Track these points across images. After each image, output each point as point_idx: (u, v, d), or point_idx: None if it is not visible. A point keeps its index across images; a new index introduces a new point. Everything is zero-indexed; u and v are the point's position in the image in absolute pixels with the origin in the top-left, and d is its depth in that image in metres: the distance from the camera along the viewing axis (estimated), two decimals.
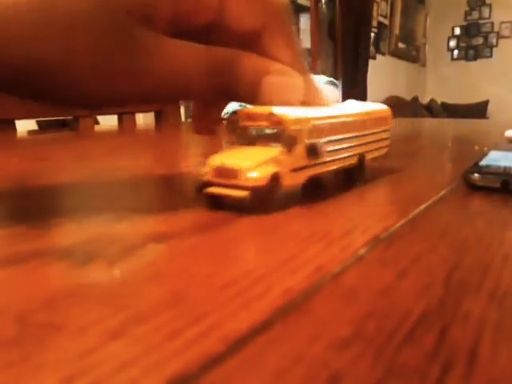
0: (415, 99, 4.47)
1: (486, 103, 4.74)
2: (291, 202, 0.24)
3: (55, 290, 0.14)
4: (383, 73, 4.03)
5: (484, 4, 4.95)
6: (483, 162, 0.32)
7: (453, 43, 5.15)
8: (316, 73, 2.27)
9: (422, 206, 0.24)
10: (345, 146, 0.27)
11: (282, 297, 0.13)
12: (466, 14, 5.04)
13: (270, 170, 0.22)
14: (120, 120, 0.88)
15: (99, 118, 1.09)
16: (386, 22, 4.18)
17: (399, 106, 3.77)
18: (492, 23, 4.94)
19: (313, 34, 2.57)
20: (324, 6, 2.95)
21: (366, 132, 0.30)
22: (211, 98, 0.23)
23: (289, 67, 0.24)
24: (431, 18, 5.01)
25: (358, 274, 0.15)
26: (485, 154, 0.35)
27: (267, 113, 0.23)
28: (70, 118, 0.83)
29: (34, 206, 0.25)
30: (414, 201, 0.26)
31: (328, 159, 0.26)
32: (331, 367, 0.10)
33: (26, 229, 0.20)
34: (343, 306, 0.13)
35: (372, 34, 3.51)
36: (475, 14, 5.01)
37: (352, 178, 0.29)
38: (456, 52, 5.14)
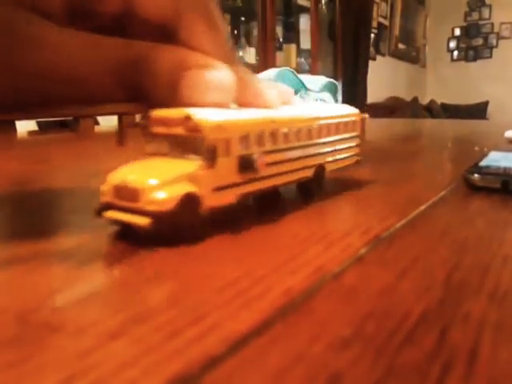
0: (415, 100, 4.47)
1: (485, 104, 4.73)
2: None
3: (55, 290, 0.14)
4: (383, 74, 4.03)
5: (484, 5, 4.94)
6: (483, 163, 0.32)
7: (453, 44, 5.14)
8: (316, 73, 2.27)
9: (422, 207, 0.24)
10: (295, 156, 0.23)
11: (282, 297, 0.13)
12: (466, 14, 5.04)
13: (182, 189, 0.18)
14: (120, 121, 0.88)
15: (99, 118, 1.09)
16: (386, 22, 4.18)
17: (399, 107, 3.77)
18: (492, 24, 4.94)
19: (313, 34, 2.57)
20: (324, 7, 2.95)
21: (326, 139, 0.25)
22: (123, 100, 0.20)
23: (214, 59, 0.20)
24: (431, 19, 5.01)
25: (357, 274, 0.15)
26: (485, 155, 0.35)
27: (182, 117, 0.18)
28: (70, 118, 0.83)
29: (34, 208, 0.25)
30: (413, 201, 0.26)
31: (270, 173, 0.21)
32: (331, 367, 0.10)
33: (26, 230, 0.20)
34: (343, 306, 0.13)
35: (372, 35, 3.52)
36: (475, 15, 5.01)
37: (309, 192, 0.25)
38: (456, 53, 5.14)
